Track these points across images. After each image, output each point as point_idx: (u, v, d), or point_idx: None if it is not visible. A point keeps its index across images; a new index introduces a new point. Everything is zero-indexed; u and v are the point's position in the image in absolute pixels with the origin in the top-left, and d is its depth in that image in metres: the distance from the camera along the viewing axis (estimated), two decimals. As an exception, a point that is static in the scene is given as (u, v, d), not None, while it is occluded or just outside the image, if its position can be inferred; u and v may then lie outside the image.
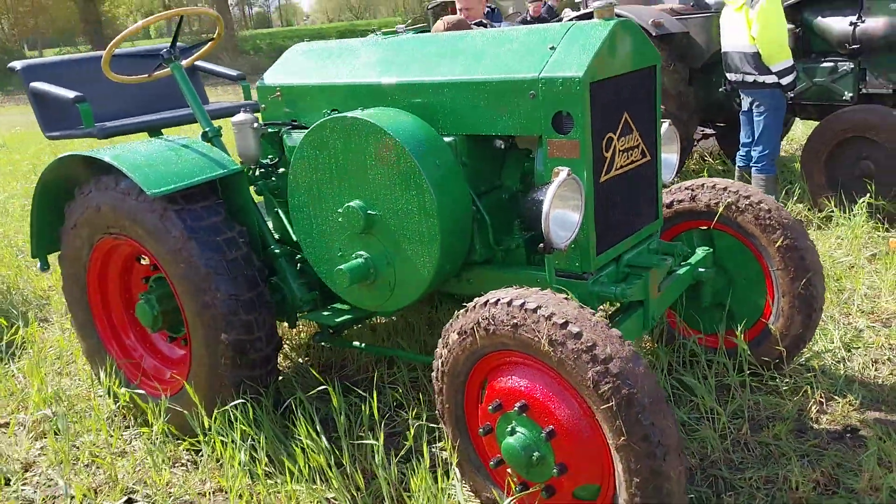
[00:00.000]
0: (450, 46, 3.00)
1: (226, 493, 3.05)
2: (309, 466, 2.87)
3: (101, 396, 3.77)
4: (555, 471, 2.34)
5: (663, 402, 2.22)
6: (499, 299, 2.40)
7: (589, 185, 2.67)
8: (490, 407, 2.47)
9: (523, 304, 2.33)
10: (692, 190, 3.46)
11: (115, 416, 3.65)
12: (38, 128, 4.28)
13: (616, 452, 2.22)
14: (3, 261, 6.12)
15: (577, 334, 2.22)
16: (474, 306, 2.48)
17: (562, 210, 2.56)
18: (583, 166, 2.64)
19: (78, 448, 3.40)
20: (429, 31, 4.23)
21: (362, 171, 2.84)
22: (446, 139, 2.88)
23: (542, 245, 2.58)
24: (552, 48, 2.70)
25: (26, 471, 3.37)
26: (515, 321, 2.33)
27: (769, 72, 5.42)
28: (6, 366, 4.25)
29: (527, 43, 2.80)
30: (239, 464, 2.92)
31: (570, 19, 7.89)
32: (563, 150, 2.65)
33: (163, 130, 4.30)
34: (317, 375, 3.37)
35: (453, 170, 2.81)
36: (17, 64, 4.23)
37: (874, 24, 5.59)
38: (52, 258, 3.86)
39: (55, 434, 3.44)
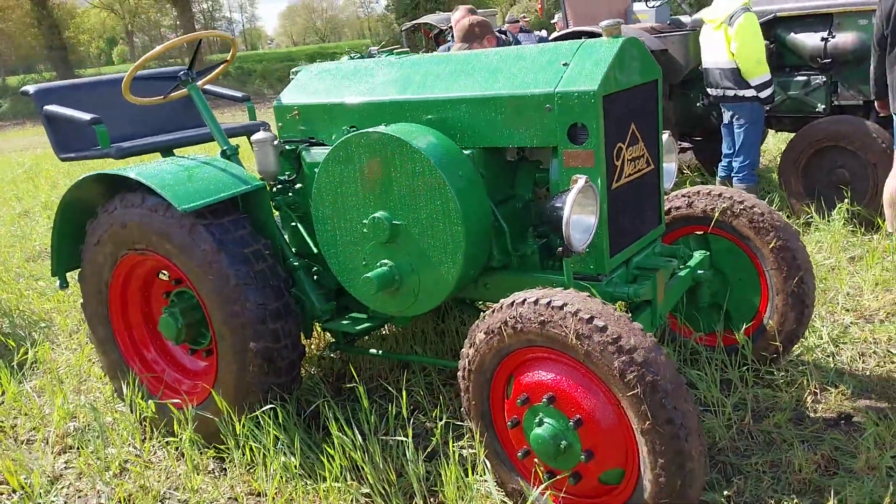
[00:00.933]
0: (466, 65, 3.16)
1: (257, 495, 3.17)
2: (340, 465, 3.00)
3: (120, 412, 3.85)
4: (582, 457, 2.49)
5: (684, 388, 2.38)
6: (525, 299, 2.55)
7: (603, 192, 2.84)
8: (518, 400, 2.61)
9: (549, 302, 2.48)
10: (689, 197, 3.66)
11: (136, 429, 3.74)
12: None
13: (641, 436, 2.37)
14: (3, 285, 6.15)
15: (603, 328, 2.38)
16: (500, 307, 2.63)
17: (580, 215, 2.73)
18: (597, 174, 2.81)
19: (105, 459, 3.49)
20: (408, 52, 4.38)
21: (387, 183, 3.00)
22: (465, 152, 3.04)
23: (560, 248, 2.75)
24: (565, 64, 2.88)
25: (52, 484, 3.45)
26: (543, 318, 2.48)
27: (748, 86, 5.68)
28: (20, 385, 4.32)
29: (540, 60, 2.98)
30: (280, 466, 3.04)
31: (550, 39, 8.10)
32: (578, 160, 2.84)
33: (174, 151, 4.43)
34: (354, 374, 3.47)
35: (474, 180, 2.97)
36: (31, 88, 4.33)
37: (844, 39, 5.87)
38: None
39: (85, 446, 3.53)
